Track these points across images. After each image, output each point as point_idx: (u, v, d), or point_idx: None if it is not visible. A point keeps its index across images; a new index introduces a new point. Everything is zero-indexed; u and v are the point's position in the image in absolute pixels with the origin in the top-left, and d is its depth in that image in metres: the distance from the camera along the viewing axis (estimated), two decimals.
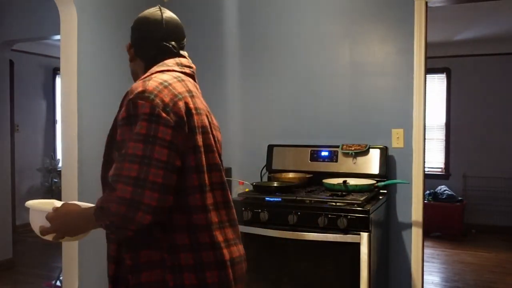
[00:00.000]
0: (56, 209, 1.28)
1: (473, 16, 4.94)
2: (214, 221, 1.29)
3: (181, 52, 1.45)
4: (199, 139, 1.28)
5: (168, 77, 1.30)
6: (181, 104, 1.25)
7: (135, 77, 1.45)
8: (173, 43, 1.42)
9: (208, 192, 1.29)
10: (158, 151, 1.15)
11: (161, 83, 1.26)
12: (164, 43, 1.41)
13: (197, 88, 1.42)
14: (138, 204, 1.11)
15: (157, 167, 1.14)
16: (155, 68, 1.36)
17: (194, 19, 3.55)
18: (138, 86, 1.25)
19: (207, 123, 1.34)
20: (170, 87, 1.26)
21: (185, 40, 1.48)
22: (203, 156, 1.29)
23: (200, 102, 1.36)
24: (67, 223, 1.27)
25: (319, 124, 3.17)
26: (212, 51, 3.49)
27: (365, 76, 3.07)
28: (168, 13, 1.45)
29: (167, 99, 1.22)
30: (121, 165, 1.14)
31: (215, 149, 1.35)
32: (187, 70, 1.41)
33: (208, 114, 1.40)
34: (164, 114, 1.19)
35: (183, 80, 1.34)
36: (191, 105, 1.29)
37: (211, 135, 1.35)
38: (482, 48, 6.13)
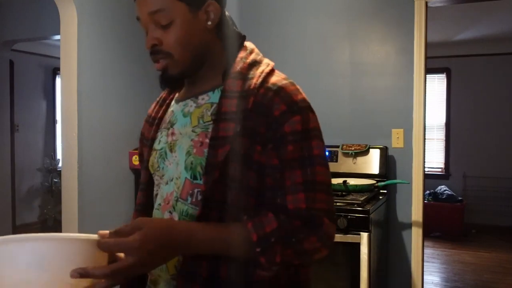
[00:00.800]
0: (134, 230, 0.79)
1: (473, 16, 4.94)
2: None
3: None
4: None
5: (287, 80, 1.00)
6: None
7: (192, 61, 0.99)
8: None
9: None
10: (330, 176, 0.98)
11: (299, 89, 1.00)
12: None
13: None
14: (330, 241, 0.92)
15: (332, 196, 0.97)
16: (266, 61, 1.03)
17: None
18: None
19: None
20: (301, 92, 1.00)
21: None
22: None
23: None
24: (164, 251, 0.82)
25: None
26: None
27: (365, 76, 3.07)
28: None
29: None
30: (317, 196, 0.91)
31: None
32: None
33: None
34: (318, 130, 1.00)
35: None
36: None
37: None
38: (482, 48, 6.13)
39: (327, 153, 3.03)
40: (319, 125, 0.98)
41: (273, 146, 0.92)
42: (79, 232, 2.87)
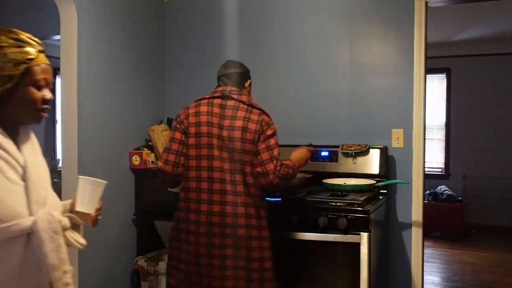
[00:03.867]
0: None
1: (473, 16, 4.94)
2: None
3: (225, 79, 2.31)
4: (191, 140, 2.19)
5: (193, 104, 2.25)
6: (187, 120, 2.22)
7: None
8: (221, 77, 2.33)
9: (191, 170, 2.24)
10: (171, 144, 2.21)
11: (184, 108, 2.27)
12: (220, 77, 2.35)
13: (219, 105, 2.19)
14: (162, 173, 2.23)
15: (171, 153, 2.19)
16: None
17: (194, 18, 3.55)
18: None
19: (204, 130, 2.16)
20: (186, 109, 2.25)
21: (227, 71, 2.34)
22: (194, 150, 2.18)
23: (206, 118, 2.17)
24: None
25: (319, 124, 3.17)
26: (211, 51, 3.49)
27: (365, 76, 3.07)
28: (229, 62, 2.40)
29: (182, 116, 2.23)
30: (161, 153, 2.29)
31: (205, 145, 2.16)
32: (216, 94, 2.24)
33: (212, 123, 2.16)
34: (177, 125, 2.23)
35: (200, 105, 2.21)
36: (192, 121, 2.19)
37: (206, 138, 2.15)
38: (482, 48, 6.13)
39: (327, 153, 3.04)
40: (173, 135, 2.23)
41: None
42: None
